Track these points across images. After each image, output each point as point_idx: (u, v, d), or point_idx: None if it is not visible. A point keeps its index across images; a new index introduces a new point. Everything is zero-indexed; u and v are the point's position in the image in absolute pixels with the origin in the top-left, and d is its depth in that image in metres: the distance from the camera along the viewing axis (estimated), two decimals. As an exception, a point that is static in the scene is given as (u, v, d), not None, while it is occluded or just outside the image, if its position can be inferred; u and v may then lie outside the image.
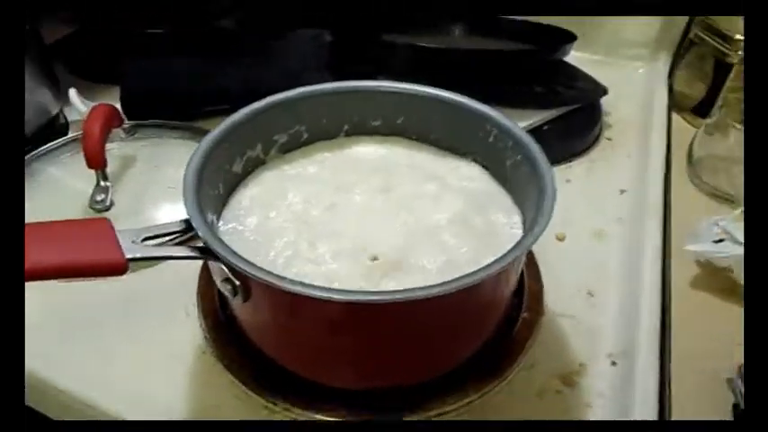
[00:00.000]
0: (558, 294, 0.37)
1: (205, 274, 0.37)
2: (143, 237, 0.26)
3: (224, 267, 0.26)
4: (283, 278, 0.24)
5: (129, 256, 0.25)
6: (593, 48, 0.60)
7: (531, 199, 0.31)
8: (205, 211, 0.29)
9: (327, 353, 0.29)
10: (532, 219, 0.28)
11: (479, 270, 0.25)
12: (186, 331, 0.35)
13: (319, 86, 0.37)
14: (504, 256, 0.26)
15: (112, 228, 0.25)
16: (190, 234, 0.28)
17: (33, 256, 0.23)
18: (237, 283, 0.26)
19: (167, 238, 0.27)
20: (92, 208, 0.41)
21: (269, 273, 0.24)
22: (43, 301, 0.35)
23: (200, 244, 0.28)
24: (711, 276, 0.38)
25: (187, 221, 0.28)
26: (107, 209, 0.41)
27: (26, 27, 0.47)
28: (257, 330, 0.31)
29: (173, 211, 0.43)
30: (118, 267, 0.24)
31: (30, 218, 0.41)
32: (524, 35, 0.56)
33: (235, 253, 0.25)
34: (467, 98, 0.36)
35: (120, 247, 0.25)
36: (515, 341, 0.34)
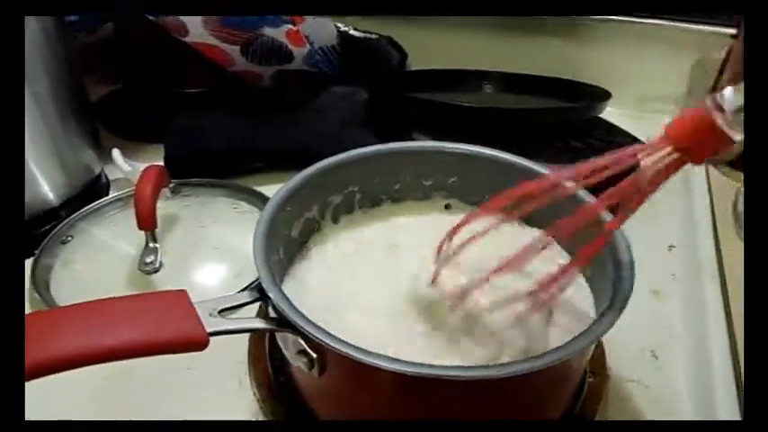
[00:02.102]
0: (620, 356, 0.36)
1: (255, 339, 0.36)
2: (219, 309, 0.25)
3: (300, 340, 0.25)
4: (369, 353, 0.24)
5: (209, 330, 0.24)
6: (621, 102, 0.60)
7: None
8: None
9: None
10: (612, 296, 0.27)
11: (568, 344, 0.25)
12: (241, 403, 0.34)
13: (374, 148, 0.37)
14: (588, 330, 0.25)
15: (191, 301, 0.25)
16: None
17: (115, 334, 0.22)
18: (314, 355, 0.26)
19: (241, 308, 0.27)
20: (141, 270, 0.40)
21: (356, 348, 0.24)
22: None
23: (273, 314, 0.27)
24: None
25: (260, 290, 0.27)
26: (156, 270, 0.40)
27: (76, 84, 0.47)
28: (329, 402, 0.30)
29: (219, 272, 0.43)
30: (200, 343, 0.23)
31: (79, 280, 0.42)
32: (556, 92, 0.58)
33: (317, 326, 0.25)
34: (521, 158, 0.37)
35: (200, 321, 0.24)
36: (586, 408, 0.33)
